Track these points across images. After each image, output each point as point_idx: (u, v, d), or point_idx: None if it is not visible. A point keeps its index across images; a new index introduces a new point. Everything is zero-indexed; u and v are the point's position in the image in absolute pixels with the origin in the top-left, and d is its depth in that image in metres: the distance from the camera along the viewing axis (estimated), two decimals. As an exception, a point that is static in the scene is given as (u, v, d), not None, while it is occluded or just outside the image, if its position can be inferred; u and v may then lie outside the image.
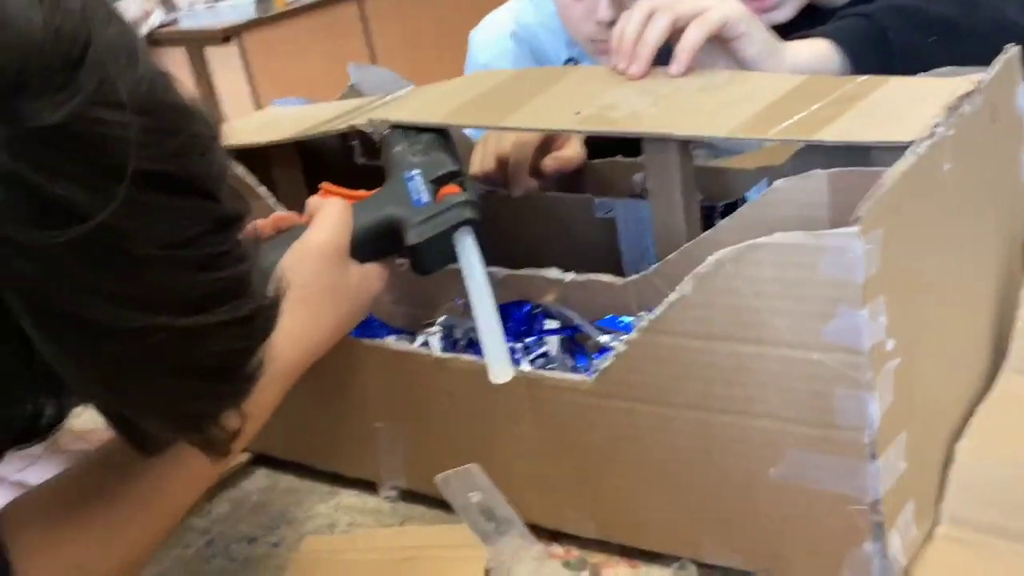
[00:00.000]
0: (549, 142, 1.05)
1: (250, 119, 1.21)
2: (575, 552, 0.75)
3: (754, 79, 0.83)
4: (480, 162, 1.05)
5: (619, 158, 1.05)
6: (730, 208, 0.81)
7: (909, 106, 0.71)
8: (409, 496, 0.85)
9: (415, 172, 0.80)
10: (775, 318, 0.61)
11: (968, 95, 0.69)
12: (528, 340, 0.81)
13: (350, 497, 0.88)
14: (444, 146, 0.83)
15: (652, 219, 0.82)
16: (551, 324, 0.81)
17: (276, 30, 3.48)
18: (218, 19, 3.44)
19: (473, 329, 0.76)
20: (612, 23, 1.06)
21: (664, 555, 0.72)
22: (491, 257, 0.78)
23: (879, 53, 0.89)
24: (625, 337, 0.69)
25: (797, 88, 0.78)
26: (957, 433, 0.69)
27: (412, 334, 0.86)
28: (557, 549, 0.76)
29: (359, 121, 0.88)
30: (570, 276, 0.81)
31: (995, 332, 0.75)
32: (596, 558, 0.74)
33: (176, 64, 3.35)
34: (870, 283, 0.58)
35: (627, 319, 0.78)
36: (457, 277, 0.77)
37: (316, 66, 3.42)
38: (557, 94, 0.85)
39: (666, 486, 0.70)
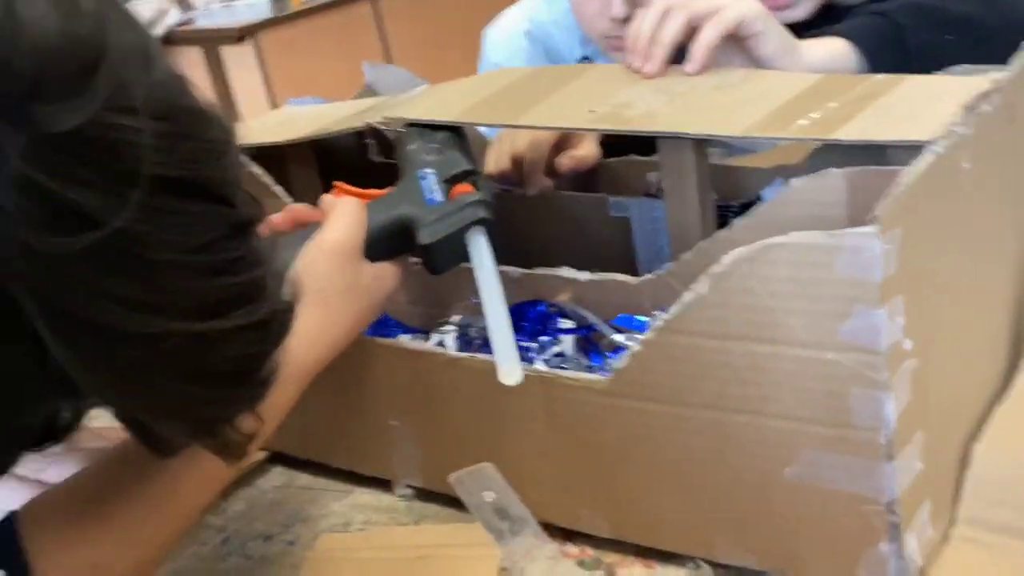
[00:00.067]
0: (564, 141, 1.05)
1: (266, 118, 1.22)
2: (589, 551, 0.75)
3: (770, 78, 0.83)
4: (495, 161, 1.05)
5: (633, 157, 1.05)
6: (745, 207, 0.80)
7: (926, 105, 0.70)
8: (424, 495, 0.85)
9: (428, 171, 0.80)
10: (790, 318, 0.61)
11: (986, 94, 0.69)
12: (543, 339, 0.81)
13: (365, 495, 0.88)
14: (458, 145, 0.83)
15: (667, 218, 0.82)
16: (566, 323, 0.81)
17: (291, 29, 3.48)
18: (234, 18, 3.45)
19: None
20: (626, 19, 1.06)
21: (679, 555, 0.72)
22: (506, 256, 0.78)
23: (895, 51, 0.88)
24: (640, 337, 0.69)
25: (813, 87, 0.78)
26: (974, 433, 0.68)
27: (427, 333, 0.86)
28: (571, 548, 0.76)
29: (374, 119, 0.88)
30: (585, 275, 0.81)
31: (1012, 332, 0.75)
32: (611, 558, 0.74)
33: (191, 63, 3.36)
34: (888, 283, 0.58)
35: (642, 318, 0.78)
36: (472, 276, 0.76)
37: (331, 65, 3.42)
38: (572, 92, 0.85)
39: (681, 486, 0.70)
